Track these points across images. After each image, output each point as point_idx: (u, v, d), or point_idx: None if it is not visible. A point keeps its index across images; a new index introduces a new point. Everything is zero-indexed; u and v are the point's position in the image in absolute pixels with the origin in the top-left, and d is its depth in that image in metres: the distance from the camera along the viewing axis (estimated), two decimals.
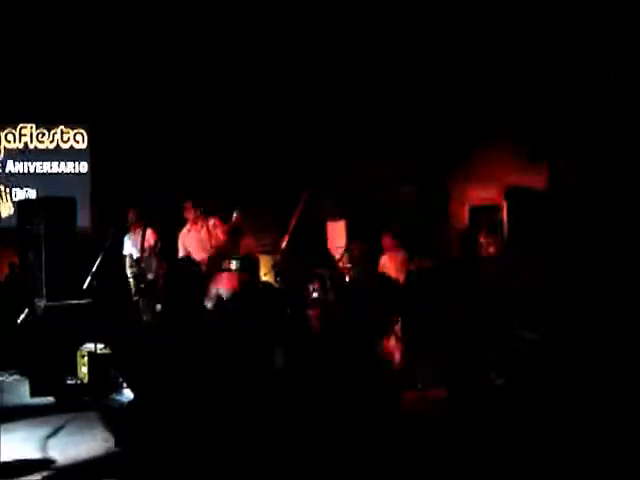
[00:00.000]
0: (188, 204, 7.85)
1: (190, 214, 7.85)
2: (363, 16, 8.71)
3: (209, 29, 9.05)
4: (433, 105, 9.23)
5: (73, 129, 10.26)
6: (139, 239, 8.41)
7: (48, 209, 7.76)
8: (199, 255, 7.63)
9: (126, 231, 8.75)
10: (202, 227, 7.76)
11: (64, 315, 7.40)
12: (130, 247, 8.71)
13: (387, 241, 7.84)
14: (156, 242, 8.43)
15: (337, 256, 8.17)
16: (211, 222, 7.75)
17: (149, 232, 8.46)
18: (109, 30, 8.91)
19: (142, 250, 8.33)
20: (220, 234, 7.61)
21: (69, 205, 8.01)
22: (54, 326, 7.27)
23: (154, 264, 8.50)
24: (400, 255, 7.62)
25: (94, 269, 7.37)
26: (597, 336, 5.68)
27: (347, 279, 7.73)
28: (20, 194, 10.06)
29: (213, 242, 7.54)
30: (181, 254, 7.86)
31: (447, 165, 9.20)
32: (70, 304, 7.50)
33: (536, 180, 8.03)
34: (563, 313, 6.13)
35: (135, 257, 8.55)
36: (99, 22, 8.79)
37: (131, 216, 8.61)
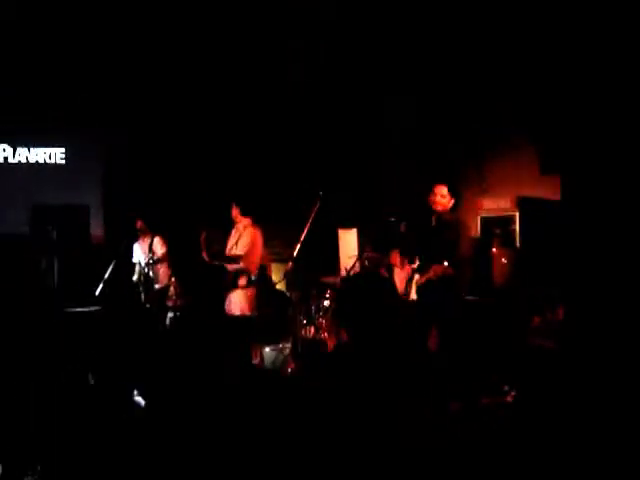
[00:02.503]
0: (233, 206, 7.50)
1: (233, 214, 7.52)
2: (365, 29, 8.73)
3: (214, 41, 9.07)
4: (445, 117, 9.26)
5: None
6: (147, 248, 8.45)
7: (62, 216, 7.80)
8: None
9: (136, 239, 8.78)
10: (237, 230, 7.48)
11: (76, 322, 7.42)
12: (139, 255, 8.74)
13: (394, 258, 7.81)
14: (165, 251, 8.47)
15: (349, 265, 8.16)
16: (246, 230, 7.40)
17: (157, 240, 8.49)
18: (119, 45, 8.93)
19: (150, 259, 8.36)
20: (249, 238, 7.35)
21: (82, 213, 8.05)
22: (66, 333, 7.29)
23: (162, 273, 8.55)
24: (405, 271, 7.57)
25: (106, 276, 7.39)
26: (613, 347, 5.66)
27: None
28: None
29: (240, 247, 7.31)
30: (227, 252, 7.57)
31: (459, 176, 9.23)
32: (82, 311, 7.52)
33: (548, 191, 8.04)
34: (578, 324, 6.11)
35: (143, 265, 8.57)
36: (108, 33, 8.81)
37: (140, 225, 8.63)
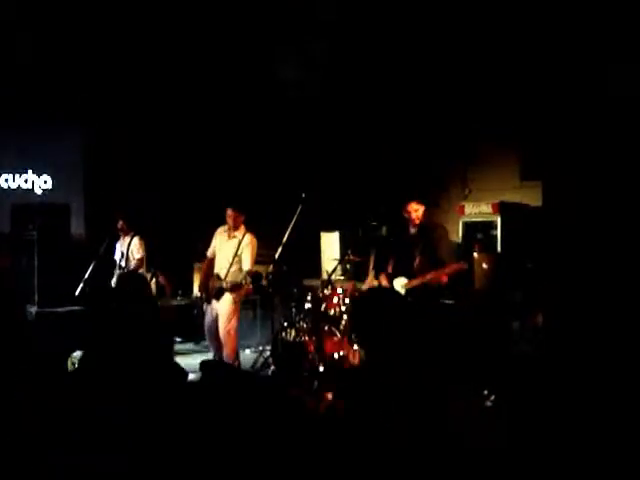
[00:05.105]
0: (229, 211, 7.02)
1: (230, 221, 7.05)
2: (354, 34, 8.77)
3: (201, 44, 9.03)
4: (429, 122, 9.32)
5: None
6: (125, 248, 8.39)
7: (42, 215, 7.75)
8: (219, 267, 7.07)
9: (118, 238, 8.74)
10: (234, 237, 7.05)
11: (55, 321, 7.37)
12: (119, 254, 8.70)
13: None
14: (141, 256, 8.42)
15: (330, 267, 8.18)
16: (246, 239, 6.99)
17: (135, 242, 8.41)
18: (104, 45, 8.88)
19: (127, 259, 8.30)
20: (254, 251, 7.01)
21: (63, 211, 8.01)
22: (45, 332, 7.24)
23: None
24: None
25: (86, 276, 7.35)
26: (592, 352, 5.71)
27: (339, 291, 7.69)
28: None
29: (237, 263, 6.92)
30: (209, 253, 7.25)
31: (442, 182, 9.30)
32: (62, 311, 7.48)
33: (529, 197, 8.12)
34: (557, 329, 6.16)
35: (122, 265, 8.52)
36: (95, 33, 8.76)
37: (121, 225, 8.59)
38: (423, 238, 6.14)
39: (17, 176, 9.93)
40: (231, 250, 6.98)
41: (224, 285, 6.82)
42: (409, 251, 6.18)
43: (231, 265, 6.92)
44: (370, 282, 6.65)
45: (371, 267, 7.50)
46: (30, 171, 9.97)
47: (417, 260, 6.10)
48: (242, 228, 7.07)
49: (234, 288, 6.81)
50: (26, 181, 9.93)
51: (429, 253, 6.06)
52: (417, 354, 2.81)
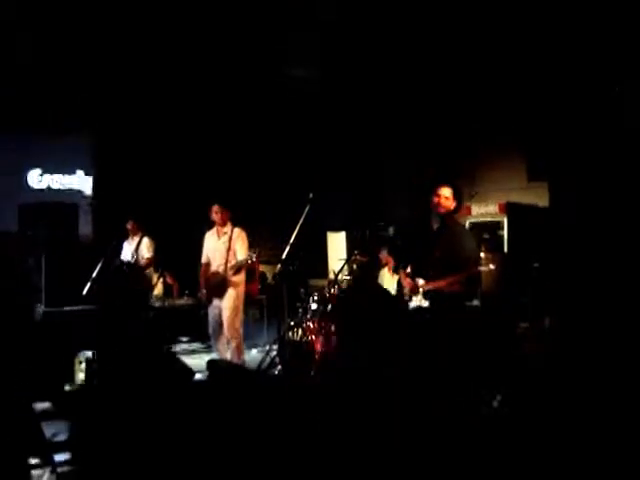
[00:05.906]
0: (215, 207, 7.16)
1: (217, 217, 7.18)
2: (361, 31, 8.76)
3: (205, 43, 9.03)
4: (435, 123, 9.32)
5: None
6: (134, 247, 8.42)
7: (49, 215, 7.76)
8: (216, 265, 7.18)
9: (126, 238, 8.78)
10: (224, 234, 7.18)
11: (63, 321, 7.37)
12: (127, 254, 8.73)
13: (385, 256, 7.94)
14: (150, 256, 8.45)
15: (336, 267, 8.18)
16: (235, 233, 7.15)
17: (145, 242, 8.45)
18: (114, 46, 8.89)
19: (136, 259, 8.33)
20: (246, 243, 7.12)
21: (71, 211, 8.02)
22: (52, 332, 7.25)
23: (147, 274, 8.55)
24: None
25: (94, 275, 7.36)
26: (599, 353, 5.70)
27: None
28: None
29: (232, 256, 7.04)
30: (203, 259, 7.33)
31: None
32: (69, 310, 7.48)
33: (536, 198, 8.12)
34: (564, 330, 6.14)
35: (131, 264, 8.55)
36: (99, 35, 8.76)
37: (131, 225, 8.63)
38: (442, 238, 5.52)
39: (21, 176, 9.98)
40: (224, 246, 7.12)
41: (229, 271, 6.96)
42: (428, 251, 5.55)
43: (227, 261, 7.05)
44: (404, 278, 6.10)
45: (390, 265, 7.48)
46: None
47: (435, 262, 5.48)
48: (229, 224, 7.22)
49: (239, 268, 6.99)
50: (27, 181, 9.99)
51: (448, 255, 5.42)
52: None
